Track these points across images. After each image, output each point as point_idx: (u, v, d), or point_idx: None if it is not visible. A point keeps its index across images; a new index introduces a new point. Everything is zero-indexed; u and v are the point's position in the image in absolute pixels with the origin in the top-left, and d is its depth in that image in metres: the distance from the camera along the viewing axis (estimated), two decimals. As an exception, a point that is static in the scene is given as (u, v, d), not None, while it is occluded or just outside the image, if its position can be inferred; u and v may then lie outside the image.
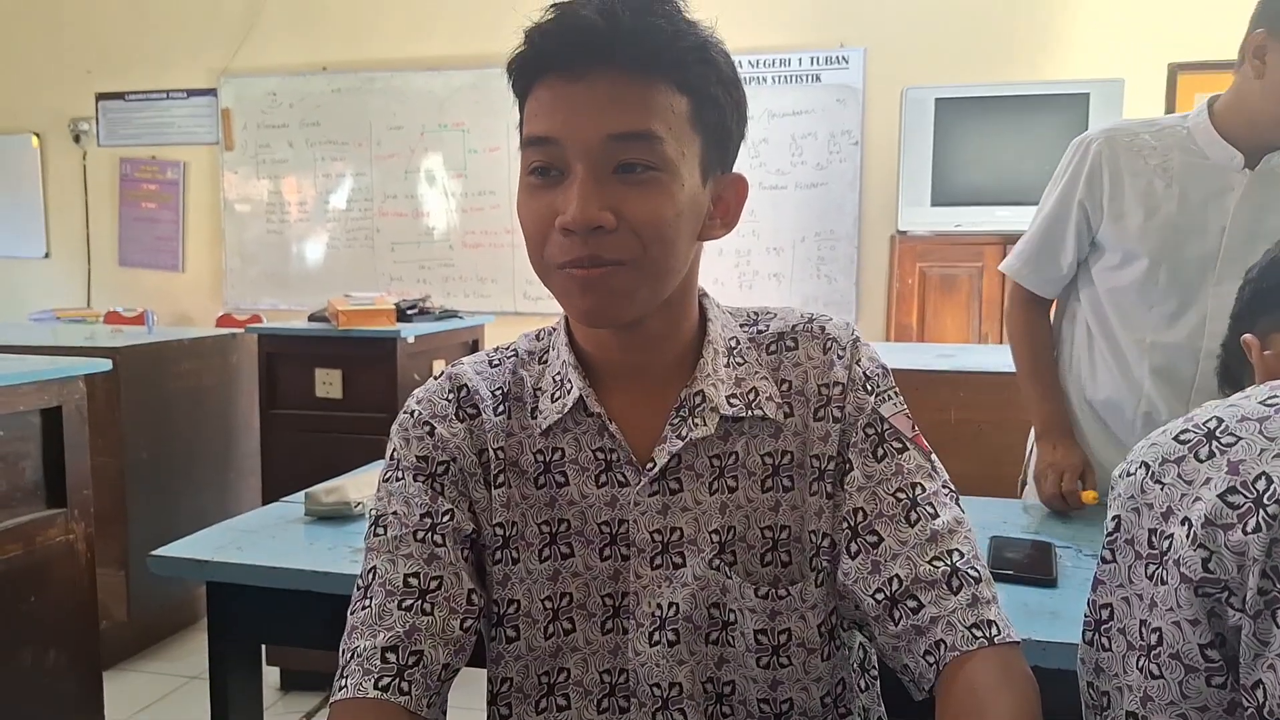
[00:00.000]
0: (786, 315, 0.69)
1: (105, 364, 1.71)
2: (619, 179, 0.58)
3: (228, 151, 3.68)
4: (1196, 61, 2.90)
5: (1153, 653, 0.48)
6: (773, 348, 0.67)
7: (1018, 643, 0.59)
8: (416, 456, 0.65)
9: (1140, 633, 0.49)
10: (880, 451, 0.64)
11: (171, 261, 3.81)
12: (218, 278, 3.77)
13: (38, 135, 3.88)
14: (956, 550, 0.60)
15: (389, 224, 3.57)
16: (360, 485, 1.13)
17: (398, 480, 0.65)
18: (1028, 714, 0.54)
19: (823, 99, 3.15)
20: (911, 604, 0.59)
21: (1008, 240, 2.67)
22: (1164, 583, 0.47)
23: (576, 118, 0.57)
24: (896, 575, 0.60)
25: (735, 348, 0.67)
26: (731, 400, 0.64)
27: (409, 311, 2.34)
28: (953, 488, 0.65)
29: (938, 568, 0.59)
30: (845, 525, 0.63)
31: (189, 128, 3.73)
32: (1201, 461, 0.48)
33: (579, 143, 0.57)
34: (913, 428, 0.66)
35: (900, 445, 0.64)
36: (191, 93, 3.70)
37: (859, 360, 0.66)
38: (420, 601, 0.61)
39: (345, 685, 0.59)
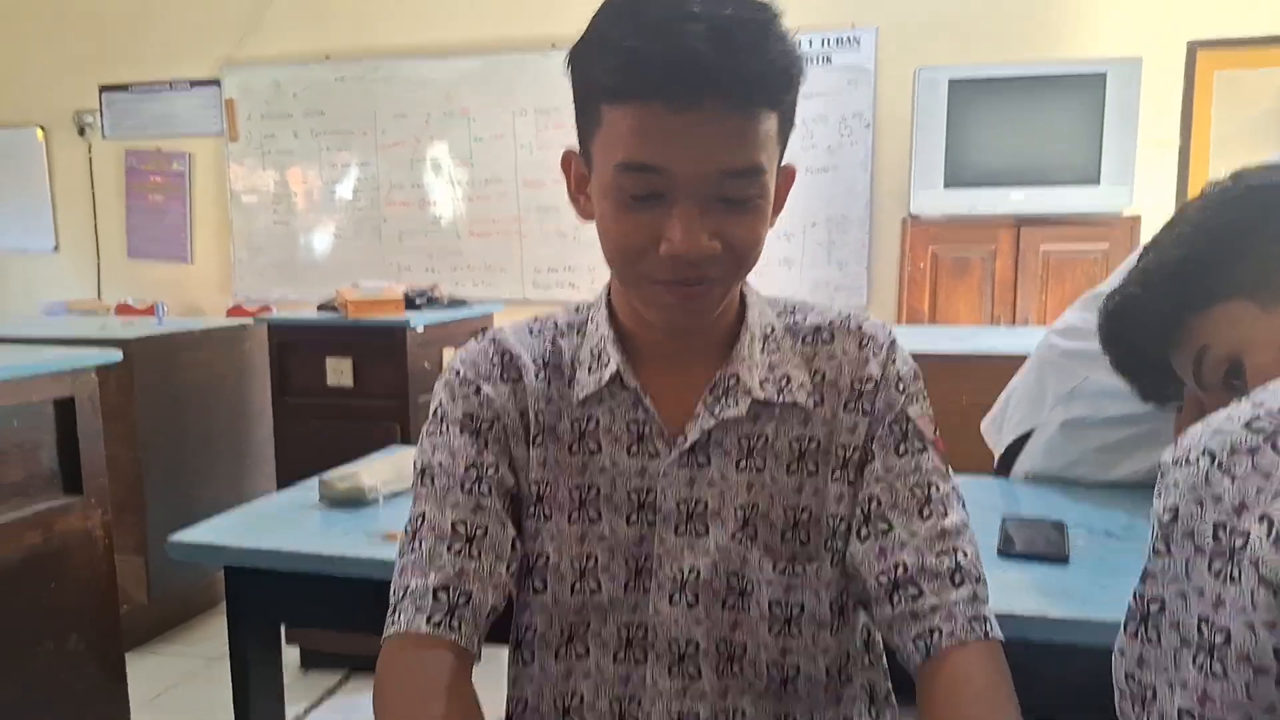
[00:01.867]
0: (824, 310, 0.72)
1: (116, 355, 1.71)
2: (722, 205, 0.59)
3: (233, 142, 3.68)
4: (1216, 39, 2.85)
5: (1217, 652, 0.45)
6: (809, 339, 0.70)
7: (1004, 644, 0.63)
8: (463, 413, 0.67)
9: (1200, 630, 0.46)
10: (902, 448, 0.67)
11: (180, 253, 3.82)
12: (226, 269, 3.78)
13: (43, 128, 3.89)
14: (962, 550, 0.64)
15: (396, 213, 3.56)
16: (373, 471, 1.13)
17: (442, 434, 0.67)
18: (1016, 708, 0.58)
19: (834, 81, 3.12)
20: (912, 590, 0.62)
21: (1022, 222, 2.65)
22: (1234, 581, 0.44)
23: (685, 151, 0.56)
24: (902, 563, 0.63)
25: (771, 335, 0.69)
26: (764, 384, 0.67)
27: (417, 300, 2.34)
28: (961, 494, 0.68)
29: (943, 561, 0.63)
30: (859, 510, 0.66)
31: (193, 119, 3.73)
32: None
33: (688, 176, 0.57)
34: (935, 431, 0.69)
35: (921, 445, 0.67)
36: (195, 84, 3.69)
37: (894, 360, 0.69)
38: (468, 546, 0.64)
39: (398, 621, 0.62)
